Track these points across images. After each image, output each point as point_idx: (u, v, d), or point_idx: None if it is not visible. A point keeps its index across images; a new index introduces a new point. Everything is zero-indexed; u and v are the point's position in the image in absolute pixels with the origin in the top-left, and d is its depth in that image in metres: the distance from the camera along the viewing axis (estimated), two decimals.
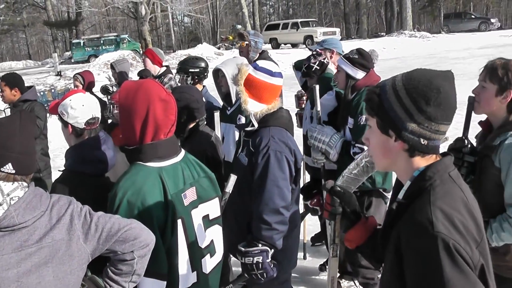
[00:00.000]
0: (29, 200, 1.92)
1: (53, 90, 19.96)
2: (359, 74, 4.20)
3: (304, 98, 5.80)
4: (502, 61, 2.94)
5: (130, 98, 2.41)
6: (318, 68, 4.92)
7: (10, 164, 1.90)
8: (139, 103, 2.38)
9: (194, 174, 2.59)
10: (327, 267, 5.26)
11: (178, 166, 2.51)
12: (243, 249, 3.26)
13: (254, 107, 3.34)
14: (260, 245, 3.24)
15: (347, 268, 4.82)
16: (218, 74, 4.59)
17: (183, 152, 2.61)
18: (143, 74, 6.85)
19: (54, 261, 1.95)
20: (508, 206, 2.85)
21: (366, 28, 52.50)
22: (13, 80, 5.84)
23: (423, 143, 1.69)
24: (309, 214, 5.00)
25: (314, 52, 5.17)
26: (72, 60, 40.73)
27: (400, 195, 1.79)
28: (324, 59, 4.97)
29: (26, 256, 1.89)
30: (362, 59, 4.20)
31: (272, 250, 3.28)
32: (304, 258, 5.71)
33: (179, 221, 2.42)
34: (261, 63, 3.45)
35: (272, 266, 3.27)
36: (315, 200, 4.76)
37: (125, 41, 40.04)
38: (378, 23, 70.23)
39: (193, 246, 2.50)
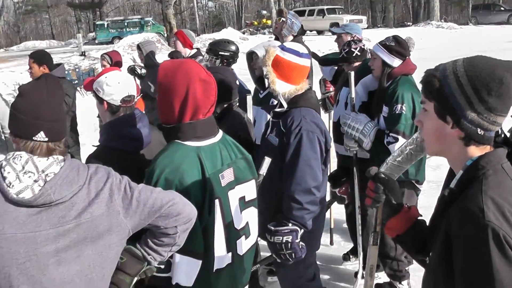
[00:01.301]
0: (65, 175, 1.88)
1: (77, 70, 20.10)
2: (396, 62, 4.16)
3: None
4: None
5: (169, 77, 2.39)
6: (359, 54, 4.82)
7: (42, 132, 1.87)
8: (178, 83, 2.35)
9: (231, 155, 2.55)
10: (351, 256, 5.24)
11: (216, 146, 2.47)
12: (272, 228, 3.24)
13: (282, 88, 3.35)
14: (290, 224, 3.22)
15: None
16: (252, 57, 4.54)
17: (221, 133, 2.57)
18: (174, 55, 6.81)
19: (93, 236, 1.93)
20: None
21: (392, 17, 51.82)
22: (41, 57, 5.82)
23: (479, 133, 1.66)
24: (336, 202, 4.95)
25: (355, 38, 5.14)
26: (96, 41, 41.01)
27: (453, 184, 1.76)
28: (364, 45, 4.89)
29: (64, 232, 1.87)
30: (399, 47, 4.16)
31: (302, 230, 3.26)
32: (331, 243, 5.68)
33: (217, 202, 2.39)
34: (288, 44, 3.46)
35: (300, 247, 3.24)
36: (344, 188, 4.71)
37: (149, 24, 40.17)
38: (405, 12, 69.36)
39: (229, 227, 2.47)
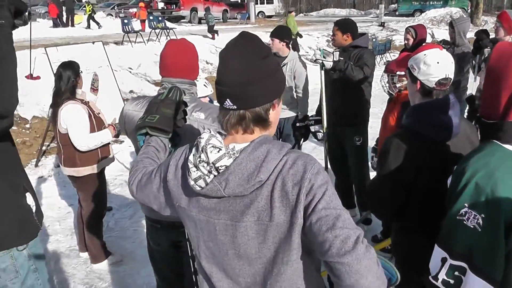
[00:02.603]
0: (239, 169, 1.66)
1: (374, 40, 20.27)
2: None
3: None
4: None
5: (503, 63, 1.96)
6: None
7: (228, 100, 1.71)
8: None
9: None
10: None
11: None
12: None
13: None
14: None
15: None
16: None
17: None
18: (479, 36, 6.21)
19: (276, 243, 1.73)
20: None
21: None
22: (346, 25, 5.79)
23: None
24: None
25: None
26: (397, 13, 40.98)
27: None
28: None
29: (242, 230, 1.75)
30: None
31: None
32: None
33: None
34: None
35: None
36: None
37: None
38: None
39: None
